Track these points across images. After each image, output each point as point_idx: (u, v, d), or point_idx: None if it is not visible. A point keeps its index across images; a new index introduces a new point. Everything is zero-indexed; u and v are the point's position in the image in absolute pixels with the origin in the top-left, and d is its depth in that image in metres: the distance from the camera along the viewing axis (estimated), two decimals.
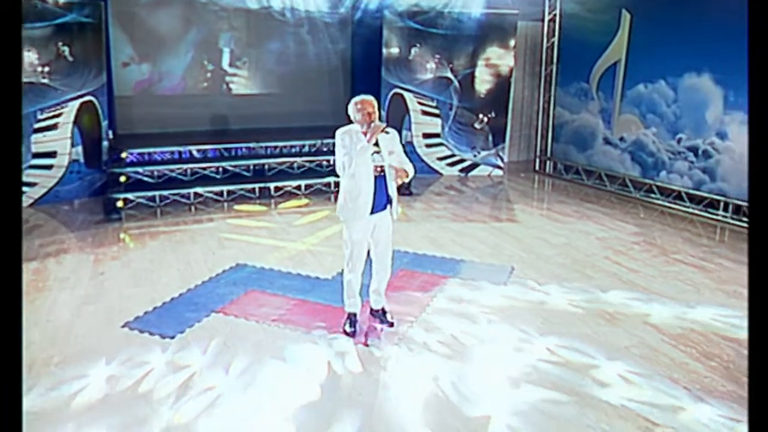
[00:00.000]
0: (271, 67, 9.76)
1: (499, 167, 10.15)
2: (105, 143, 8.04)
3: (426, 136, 9.90)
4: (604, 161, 9.23)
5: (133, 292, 4.95)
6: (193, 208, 7.70)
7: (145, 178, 7.84)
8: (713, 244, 6.59)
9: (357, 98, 4.01)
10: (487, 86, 9.84)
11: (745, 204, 7.14)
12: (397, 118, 9.40)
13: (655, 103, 8.25)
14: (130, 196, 7.51)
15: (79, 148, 7.88)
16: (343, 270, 4.32)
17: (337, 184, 8.19)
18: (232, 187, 8.05)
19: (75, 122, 7.75)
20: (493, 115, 9.91)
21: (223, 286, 5.09)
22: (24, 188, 7.39)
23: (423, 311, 4.67)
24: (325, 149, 8.84)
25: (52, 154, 7.66)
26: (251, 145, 8.60)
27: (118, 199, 7.29)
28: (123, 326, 4.33)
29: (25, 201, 7.45)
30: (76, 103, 7.72)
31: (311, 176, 8.53)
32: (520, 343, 4.20)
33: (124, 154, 7.83)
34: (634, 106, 8.61)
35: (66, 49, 7.56)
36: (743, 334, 4.31)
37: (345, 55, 10.24)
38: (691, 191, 7.86)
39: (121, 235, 6.58)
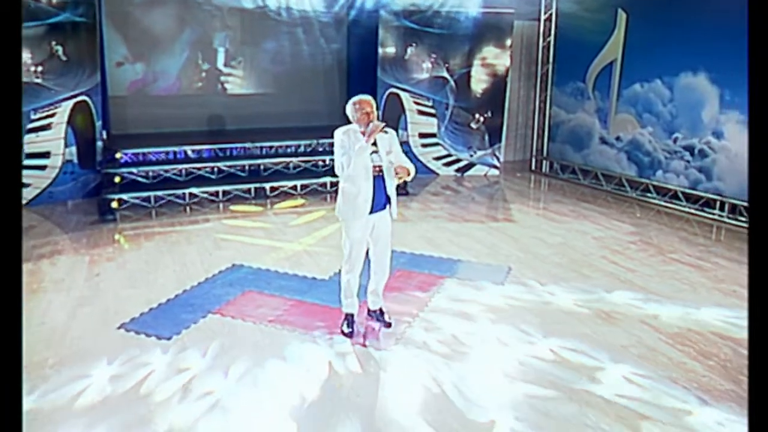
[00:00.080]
0: (267, 66, 9.72)
1: (495, 167, 10.15)
2: (99, 143, 7.98)
3: (422, 135, 9.89)
4: (601, 161, 9.24)
5: (129, 294, 4.91)
6: (188, 208, 7.66)
7: (140, 179, 7.79)
8: (710, 243, 6.61)
9: (355, 98, 3.99)
10: (483, 86, 9.84)
11: (741, 203, 7.16)
12: (393, 117, 9.38)
13: (652, 103, 8.27)
14: (124, 196, 7.46)
15: (73, 149, 7.82)
16: (340, 270, 4.30)
17: (333, 184, 8.26)
18: (227, 188, 8.01)
19: (69, 122, 7.70)
20: (489, 114, 9.91)
21: (220, 287, 5.06)
22: None
23: (421, 311, 4.65)
24: (321, 149, 8.81)
25: (45, 155, 7.61)
26: (247, 145, 8.57)
27: (112, 200, 7.25)
28: (119, 328, 4.30)
29: None
30: (70, 103, 7.66)
31: (307, 176, 8.51)
32: (518, 342, 4.19)
33: (118, 155, 7.77)
34: (630, 106, 8.63)
35: (59, 48, 7.51)
36: (741, 333, 4.32)
37: (341, 55, 10.21)
38: (687, 190, 7.88)
39: (116, 236, 6.54)
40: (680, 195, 7.97)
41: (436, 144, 9.97)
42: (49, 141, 7.60)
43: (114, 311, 4.56)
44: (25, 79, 7.23)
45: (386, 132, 3.95)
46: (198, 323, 4.39)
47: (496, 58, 9.74)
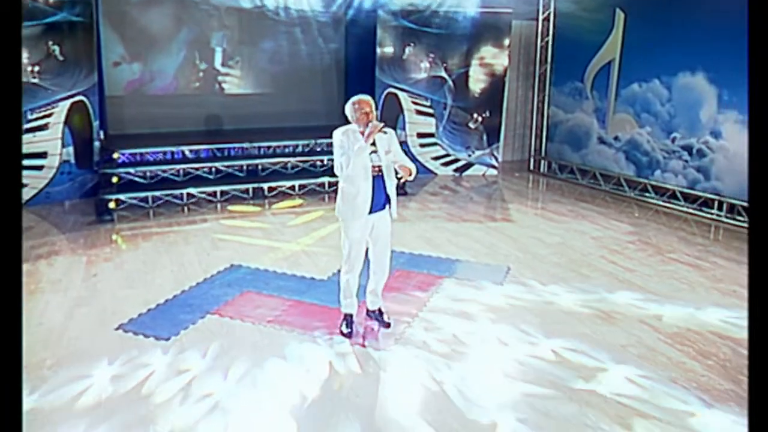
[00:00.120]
0: (265, 66, 9.70)
1: (493, 167, 10.15)
2: (96, 144, 7.95)
3: (420, 135, 9.89)
4: (599, 160, 9.25)
5: (127, 294, 4.89)
6: (186, 208, 7.63)
7: (137, 179, 7.77)
8: (708, 242, 6.61)
9: (354, 98, 3.98)
10: (481, 85, 9.83)
11: (739, 203, 7.17)
12: (391, 117, 9.37)
13: (650, 102, 8.28)
14: (122, 197, 7.43)
15: (70, 149, 7.79)
16: (339, 270, 4.29)
17: (331, 184, 8.26)
18: (225, 188, 7.99)
19: (66, 122, 7.67)
20: (487, 114, 9.91)
21: (218, 288, 5.05)
22: None
23: (420, 311, 4.65)
24: (318, 149, 8.80)
25: (42, 155, 7.57)
26: (244, 145, 8.55)
27: (110, 200, 7.22)
28: (117, 328, 4.28)
29: None
30: (67, 103, 7.63)
31: (305, 176, 8.49)
32: (518, 342, 4.18)
33: (115, 155, 7.75)
34: (628, 106, 8.63)
35: (56, 48, 7.48)
36: (740, 333, 4.33)
37: (339, 55, 10.19)
38: (685, 190, 7.89)
39: (114, 237, 6.51)
40: (678, 195, 7.98)
41: (435, 144, 9.96)
42: (46, 141, 7.57)
43: (112, 312, 4.54)
44: (22, 78, 7.20)
45: (385, 132, 3.95)
46: (196, 324, 4.37)
47: (494, 57, 9.74)
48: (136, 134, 8.59)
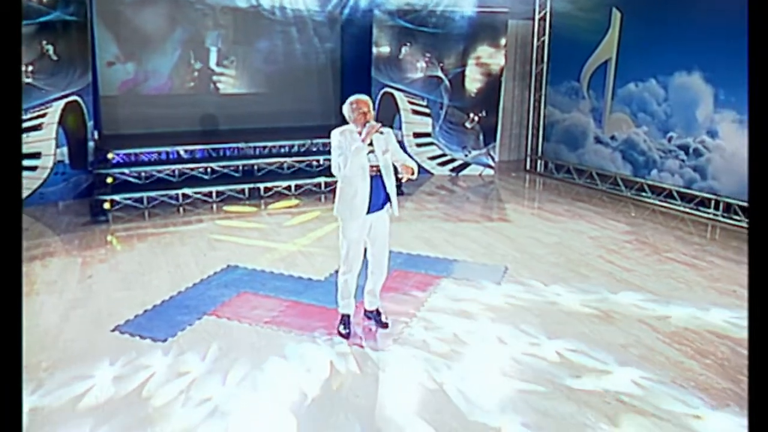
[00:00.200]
0: (260, 66, 9.67)
1: (490, 167, 10.14)
2: (91, 144, 7.90)
3: (416, 135, 9.87)
4: (596, 160, 9.26)
5: (123, 296, 4.85)
6: (181, 209, 7.60)
7: (132, 180, 7.72)
8: (705, 242, 6.63)
9: (352, 98, 3.96)
10: (477, 85, 9.83)
11: (735, 202, 7.19)
12: (387, 117, 9.35)
13: (646, 102, 8.29)
14: (117, 197, 7.38)
15: (64, 149, 7.74)
16: (337, 270, 4.27)
17: (327, 184, 8.23)
18: (221, 188, 7.95)
19: (60, 122, 7.62)
20: (483, 114, 9.91)
21: (215, 288, 5.02)
22: None
23: (418, 311, 4.63)
24: (314, 149, 8.77)
25: (36, 155, 7.52)
26: (240, 145, 8.51)
27: (104, 201, 7.17)
28: (113, 330, 4.24)
29: None
30: (61, 103, 7.58)
31: (301, 176, 8.46)
32: (517, 342, 4.17)
33: (110, 155, 7.69)
34: (624, 105, 8.64)
35: (50, 47, 7.43)
36: (738, 332, 4.33)
37: (334, 54, 10.17)
38: (682, 189, 7.91)
39: (109, 238, 6.47)
40: (675, 194, 7.99)
41: (431, 144, 9.95)
42: (40, 141, 7.51)
43: (107, 313, 4.50)
44: None
45: (382, 132, 3.93)
46: (193, 325, 4.34)
47: (490, 57, 9.74)
48: (130, 134, 8.54)
